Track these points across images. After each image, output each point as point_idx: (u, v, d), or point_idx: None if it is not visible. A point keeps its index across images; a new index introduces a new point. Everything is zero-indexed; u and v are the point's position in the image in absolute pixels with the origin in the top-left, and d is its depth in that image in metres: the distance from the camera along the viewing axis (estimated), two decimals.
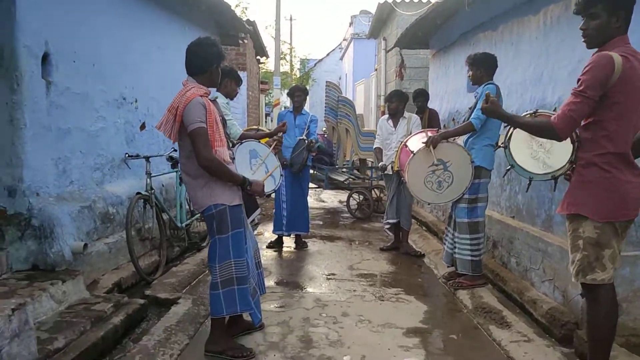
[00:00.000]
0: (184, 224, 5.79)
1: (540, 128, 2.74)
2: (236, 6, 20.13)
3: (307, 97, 6.86)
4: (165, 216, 5.42)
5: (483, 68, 4.79)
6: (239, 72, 5.72)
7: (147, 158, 5.20)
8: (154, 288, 4.61)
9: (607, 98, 2.51)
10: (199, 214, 5.75)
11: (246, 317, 3.70)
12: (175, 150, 4.52)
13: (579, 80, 2.55)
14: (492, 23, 6.32)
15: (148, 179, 5.12)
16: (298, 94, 6.52)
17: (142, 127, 5.74)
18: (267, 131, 6.57)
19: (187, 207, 5.92)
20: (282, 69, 26.98)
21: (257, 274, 3.43)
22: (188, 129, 3.07)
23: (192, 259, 5.55)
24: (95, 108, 4.78)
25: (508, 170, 3.70)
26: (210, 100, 3.24)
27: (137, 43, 5.66)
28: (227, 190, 3.21)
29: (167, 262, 5.35)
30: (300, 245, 6.60)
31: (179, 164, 3.63)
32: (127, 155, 5.27)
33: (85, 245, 4.08)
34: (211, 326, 3.47)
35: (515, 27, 5.64)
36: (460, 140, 5.04)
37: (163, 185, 6.04)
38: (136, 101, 5.62)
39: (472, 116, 4.69)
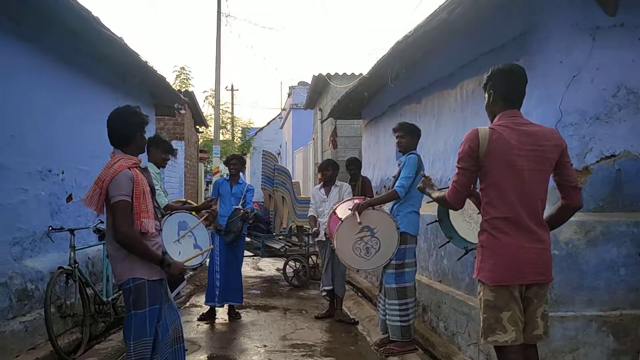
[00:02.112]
0: (110, 298, 5.57)
1: (442, 201, 2.98)
2: (177, 77, 20.24)
3: (247, 165, 6.93)
4: (89, 291, 5.21)
5: (409, 137, 5.03)
6: (176, 141, 5.69)
7: (71, 231, 5.03)
8: None
9: (482, 168, 2.75)
10: None
11: None
12: (103, 222, 4.43)
13: None
14: (416, 96, 6.70)
15: (72, 253, 4.94)
16: (234, 162, 6.59)
17: (69, 198, 5.60)
18: (195, 205, 6.53)
19: (114, 280, 5.72)
20: (223, 138, 27.04)
21: (176, 350, 3.30)
22: (111, 201, 3.03)
23: (118, 335, 5.28)
24: (14, 180, 4.64)
25: (447, 242, 3.79)
26: (141, 168, 3.22)
27: (65, 114, 5.61)
28: (147, 264, 3.11)
29: (90, 339, 5.09)
30: (233, 316, 6.45)
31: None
32: (50, 228, 5.10)
33: None
34: None
35: (437, 100, 6.01)
36: (387, 207, 5.20)
37: (89, 258, 5.84)
38: (63, 173, 5.51)
39: (396, 184, 4.86)
